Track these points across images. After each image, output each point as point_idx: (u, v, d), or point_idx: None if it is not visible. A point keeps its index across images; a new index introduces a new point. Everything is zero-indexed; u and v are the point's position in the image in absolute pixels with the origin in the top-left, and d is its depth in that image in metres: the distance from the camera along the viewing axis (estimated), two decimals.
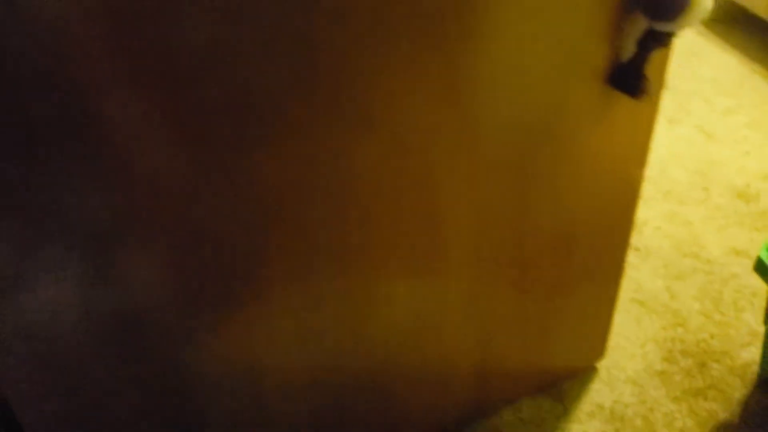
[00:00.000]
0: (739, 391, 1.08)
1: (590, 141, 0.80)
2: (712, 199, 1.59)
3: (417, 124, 0.70)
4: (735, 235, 1.44)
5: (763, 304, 1.24)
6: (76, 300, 0.63)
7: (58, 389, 0.69)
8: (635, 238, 1.45)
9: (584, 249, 0.93)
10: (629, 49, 0.74)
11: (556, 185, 0.83)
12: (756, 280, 1.30)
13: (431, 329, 0.88)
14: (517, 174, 0.79)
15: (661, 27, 0.68)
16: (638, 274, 1.35)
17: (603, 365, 1.13)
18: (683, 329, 1.21)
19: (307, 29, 0.58)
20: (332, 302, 0.79)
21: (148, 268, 0.65)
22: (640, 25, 0.72)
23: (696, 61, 2.49)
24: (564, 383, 1.09)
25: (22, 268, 0.59)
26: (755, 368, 1.11)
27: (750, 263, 1.35)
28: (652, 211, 1.55)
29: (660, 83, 0.79)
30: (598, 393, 1.09)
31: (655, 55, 0.72)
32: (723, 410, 1.05)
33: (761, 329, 1.18)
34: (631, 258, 1.40)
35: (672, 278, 1.33)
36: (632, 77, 0.73)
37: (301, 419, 0.89)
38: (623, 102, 0.78)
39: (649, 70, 0.73)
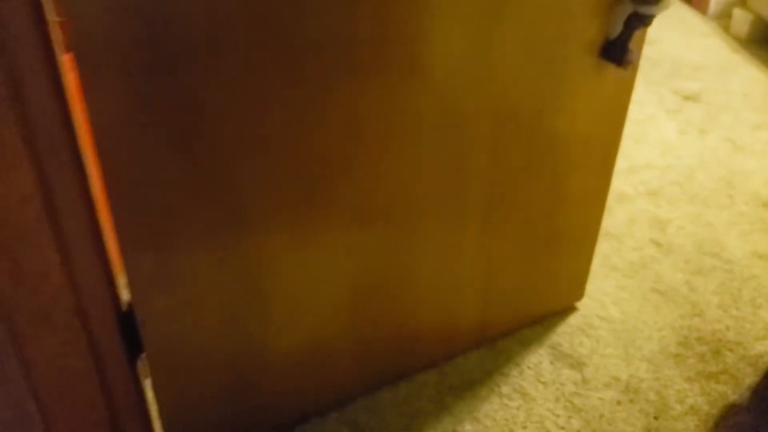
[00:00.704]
0: (750, 377, 1.13)
1: (585, 100, 1.00)
2: (736, 205, 1.65)
3: (456, 70, 0.86)
4: (758, 241, 1.49)
5: None
6: None
7: None
8: (658, 235, 1.51)
9: (573, 194, 1.11)
10: (617, 28, 0.93)
11: (557, 134, 1.01)
12: None
13: (448, 259, 1.04)
14: (528, 122, 0.97)
15: (643, 10, 0.88)
16: (660, 267, 1.40)
17: (620, 343, 1.20)
18: (700, 319, 1.26)
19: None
20: (378, 222, 0.93)
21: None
22: (626, 9, 0.91)
23: (728, 77, 2.53)
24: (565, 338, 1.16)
25: None
26: None
27: None
28: (677, 212, 1.61)
29: (639, 56, 0.98)
30: (615, 367, 1.15)
31: (637, 33, 0.92)
32: (733, 393, 1.10)
33: None
34: (654, 252, 1.46)
35: (692, 273, 1.39)
36: (619, 51, 0.92)
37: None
38: (611, 70, 0.99)
39: (633, 45, 0.93)
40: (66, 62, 0.67)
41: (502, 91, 0.92)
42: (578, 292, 1.28)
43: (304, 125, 0.80)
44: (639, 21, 0.89)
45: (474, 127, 0.92)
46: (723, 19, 3.42)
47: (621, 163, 1.83)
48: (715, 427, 1.04)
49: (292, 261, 0.89)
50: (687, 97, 2.29)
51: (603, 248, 1.47)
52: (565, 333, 1.22)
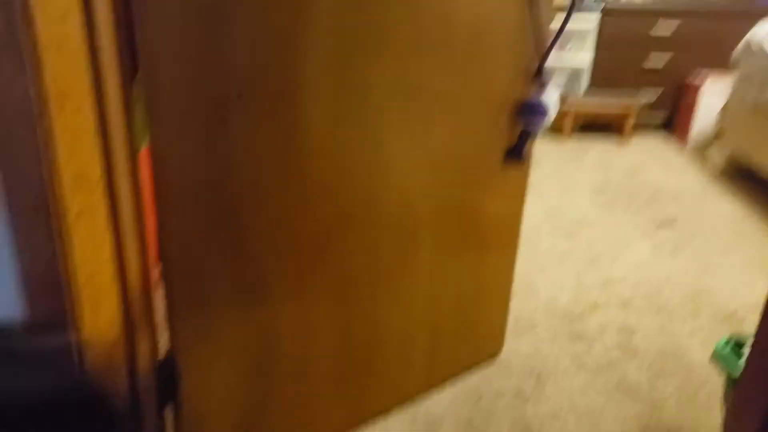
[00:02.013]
0: None
1: (496, 189, 1.37)
2: (699, 318, 1.82)
3: (409, 172, 1.19)
4: None
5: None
6: None
7: None
8: (625, 340, 1.68)
9: (491, 260, 1.46)
10: (514, 139, 1.30)
11: (479, 215, 1.37)
12: None
13: (404, 312, 1.32)
14: (459, 207, 1.32)
15: (530, 128, 1.27)
16: (625, 368, 1.56)
17: (589, 430, 1.33)
18: (658, 417, 1.40)
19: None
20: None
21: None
22: (520, 127, 1.28)
23: (702, 206, 2.79)
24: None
25: None
26: None
27: None
28: (645, 321, 1.78)
29: (530, 157, 1.37)
30: None
31: (529, 142, 1.30)
32: None
33: None
34: (620, 355, 1.62)
35: (654, 376, 1.54)
36: (516, 154, 1.30)
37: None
38: (511, 168, 1.37)
39: (527, 149, 1.32)
40: (142, 156, 0.93)
41: (440, 185, 1.25)
42: (499, 343, 1.60)
43: (304, 221, 1.06)
44: (527, 135, 1.28)
45: (421, 214, 1.25)
46: (701, 152, 3.78)
47: (596, 277, 2.04)
48: None
49: (295, 317, 1.12)
50: (663, 222, 2.53)
51: (575, 348, 1.64)
52: (534, 419, 1.36)
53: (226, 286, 1.02)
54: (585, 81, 4.37)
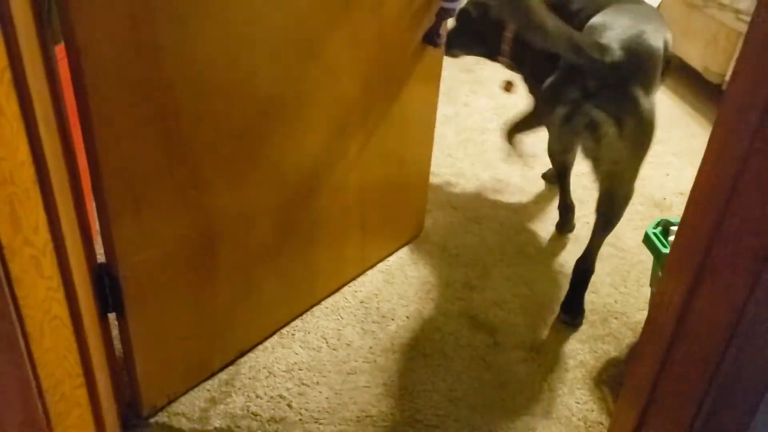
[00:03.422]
0: (629, 338, 1.36)
1: (417, 68, 1.38)
2: (634, 206, 1.91)
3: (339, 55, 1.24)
4: None
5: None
6: None
7: None
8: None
9: (414, 140, 1.50)
10: (432, 20, 1.32)
11: (403, 92, 1.38)
12: None
13: (338, 199, 1.34)
14: (384, 83, 1.33)
15: (447, 5, 1.28)
16: (567, 255, 1.64)
17: (529, 315, 1.41)
18: (596, 295, 1.50)
19: None
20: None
21: None
22: (437, 4, 1.30)
23: None
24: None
25: None
26: None
27: None
28: (585, 210, 1.86)
29: (443, 38, 1.38)
30: (522, 332, 1.36)
31: (444, 22, 1.32)
32: (615, 350, 1.33)
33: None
34: (565, 242, 1.69)
35: None
36: (434, 34, 1.31)
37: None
38: (429, 51, 1.38)
39: (442, 30, 1.34)
40: (58, 51, 0.83)
41: (368, 65, 1.24)
42: (419, 226, 1.68)
43: (237, 110, 1.00)
44: (445, 13, 1.30)
45: (351, 97, 1.25)
46: None
47: (540, 170, 2.08)
48: (597, 375, 1.26)
49: (234, 208, 1.11)
50: None
51: (519, 239, 1.70)
52: (481, 306, 1.43)
53: (162, 184, 0.97)
54: None
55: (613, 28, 1.24)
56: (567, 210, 1.73)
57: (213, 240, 1.10)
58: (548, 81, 1.27)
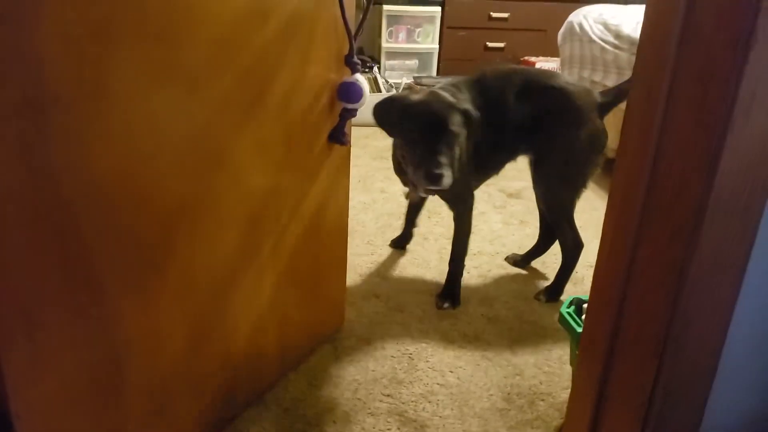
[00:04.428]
0: (557, 420, 1.37)
1: (325, 168, 1.41)
2: (549, 281, 1.99)
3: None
4: None
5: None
6: None
7: None
8: (487, 310, 1.79)
9: (328, 241, 1.52)
10: (336, 119, 1.37)
11: (312, 195, 1.40)
12: None
13: (253, 302, 1.31)
14: (293, 191, 1.35)
15: (349, 106, 1.36)
16: (488, 337, 1.66)
17: (457, 406, 1.40)
18: (520, 378, 1.51)
19: None
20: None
21: None
22: (340, 105, 1.36)
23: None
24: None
25: None
26: None
27: None
28: (501, 290, 1.91)
29: (349, 137, 1.43)
30: (452, 426, 1.34)
31: (348, 122, 1.38)
32: None
33: None
34: (484, 325, 1.72)
35: (513, 341, 1.66)
36: (339, 134, 1.38)
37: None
38: (337, 148, 1.43)
39: (347, 129, 1.40)
40: None
41: (276, 166, 1.26)
42: (340, 317, 1.68)
43: (142, 216, 0.97)
44: (348, 113, 1.37)
45: (260, 203, 1.25)
46: None
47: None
48: None
49: (140, 318, 1.04)
50: (512, 194, 2.72)
51: (442, 325, 1.71)
52: (410, 401, 1.40)
53: (59, 306, 0.90)
54: (435, 64, 4.54)
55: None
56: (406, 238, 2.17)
57: (119, 360, 1.03)
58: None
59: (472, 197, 1.85)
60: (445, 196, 1.79)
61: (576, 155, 1.77)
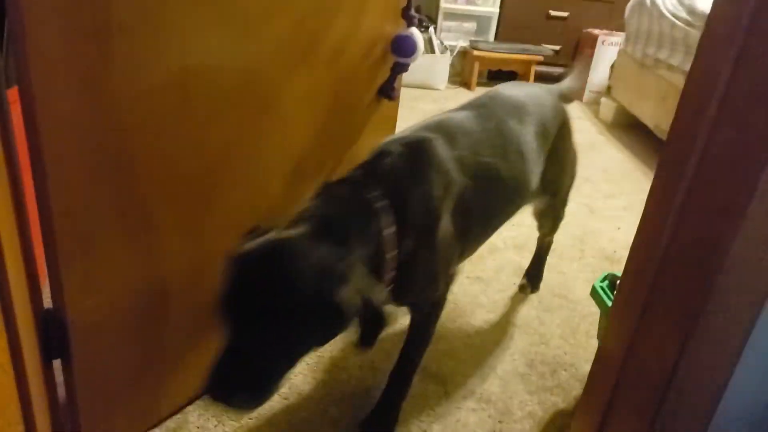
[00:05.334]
0: (577, 390, 1.39)
1: (372, 119, 1.44)
2: (585, 258, 1.98)
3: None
4: None
5: None
6: None
7: None
8: (519, 280, 1.80)
9: None
10: (387, 74, 1.38)
11: (360, 143, 1.43)
12: None
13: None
14: (342, 133, 1.39)
15: (402, 60, 1.35)
16: (517, 306, 1.68)
17: (479, 365, 1.43)
18: (545, 347, 1.53)
19: None
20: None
21: None
22: (392, 59, 1.36)
23: (593, 154, 2.98)
24: None
25: None
26: None
27: None
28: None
29: (399, 92, 1.44)
30: (472, 382, 1.37)
31: (399, 76, 1.39)
32: (563, 402, 1.35)
33: None
34: (515, 294, 1.73)
35: (543, 310, 1.67)
36: (389, 88, 1.37)
37: None
38: (385, 104, 1.45)
39: (397, 84, 1.41)
40: (11, 95, 0.84)
41: (323, 117, 1.29)
42: None
43: (191, 157, 1.02)
44: (399, 67, 1.36)
45: (307, 144, 1.28)
46: (593, 105, 3.99)
47: None
48: (545, 427, 1.28)
49: (185, 256, 1.11)
50: None
51: (472, 289, 1.73)
52: (433, 357, 1.44)
53: (112, 228, 0.97)
54: (493, 28, 4.43)
55: None
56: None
57: (163, 288, 1.10)
58: None
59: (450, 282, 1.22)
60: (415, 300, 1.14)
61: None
